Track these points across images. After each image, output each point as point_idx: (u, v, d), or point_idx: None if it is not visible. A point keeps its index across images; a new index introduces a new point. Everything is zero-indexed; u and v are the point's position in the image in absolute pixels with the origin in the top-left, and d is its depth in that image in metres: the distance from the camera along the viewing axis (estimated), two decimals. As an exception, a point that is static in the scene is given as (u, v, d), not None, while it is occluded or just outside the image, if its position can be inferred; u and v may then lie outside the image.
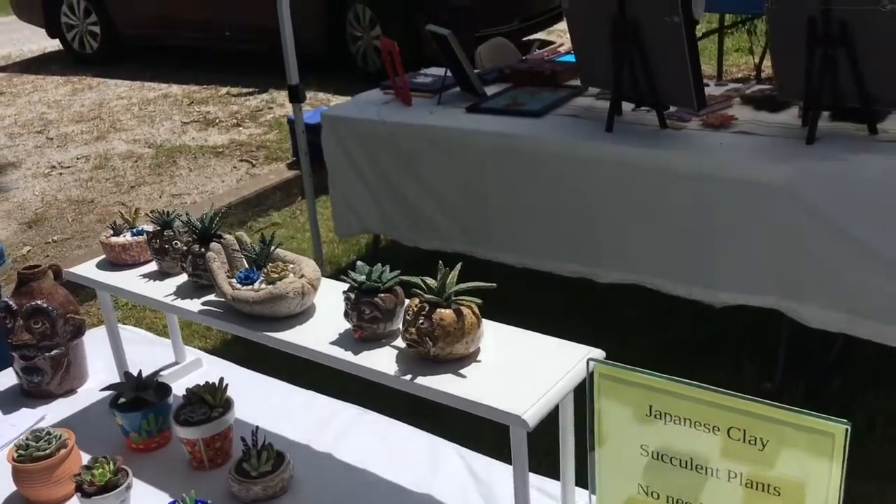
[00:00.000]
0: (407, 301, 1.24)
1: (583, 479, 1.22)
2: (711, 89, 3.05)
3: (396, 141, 3.10)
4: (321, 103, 5.55)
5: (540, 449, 1.32)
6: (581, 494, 1.26)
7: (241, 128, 5.55)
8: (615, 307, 3.10)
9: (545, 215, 2.88)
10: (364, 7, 5.87)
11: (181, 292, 1.43)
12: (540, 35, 6.08)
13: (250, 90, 6.36)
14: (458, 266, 1.23)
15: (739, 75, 5.11)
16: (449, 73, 3.23)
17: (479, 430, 1.46)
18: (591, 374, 1.07)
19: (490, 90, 3.24)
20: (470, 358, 1.20)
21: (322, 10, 5.98)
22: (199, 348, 2.20)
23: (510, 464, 1.23)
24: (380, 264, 1.27)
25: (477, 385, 1.14)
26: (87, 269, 1.57)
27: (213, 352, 2.51)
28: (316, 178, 3.52)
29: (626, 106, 2.90)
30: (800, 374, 2.67)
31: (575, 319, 2.97)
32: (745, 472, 0.99)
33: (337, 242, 3.84)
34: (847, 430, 0.90)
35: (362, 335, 1.25)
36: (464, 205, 3.05)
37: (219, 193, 4.45)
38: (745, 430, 0.97)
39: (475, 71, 3.32)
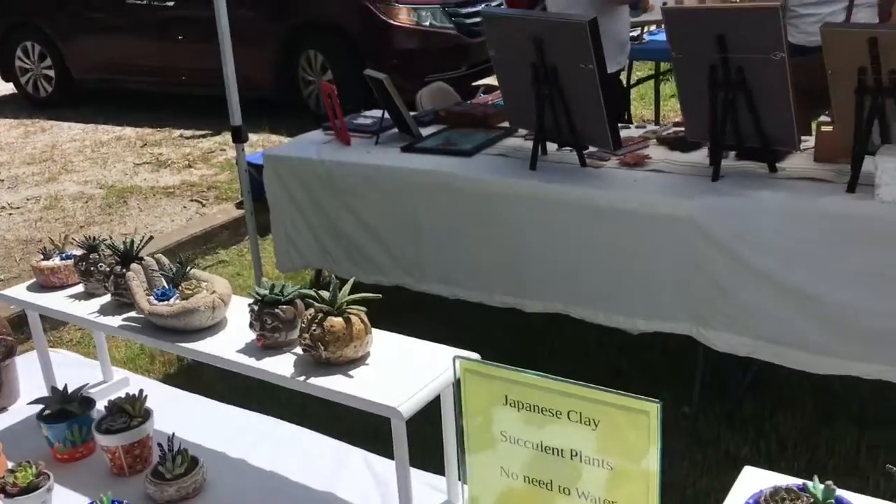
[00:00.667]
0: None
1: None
2: (631, 131, 3.31)
3: (335, 179, 3.29)
4: (273, 145, 5.74)
5: (440, 452, 1.48)
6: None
7: (192, 169, 5.73)
8: (548, 337, 3.28)
9: (475, 249, 3.08)
10: (315, 52, 6.13)
11: (104, 310, 1.59)
12: (488, 80, 6.38)
13: (203, 132, 6.56)
14: (351, 280, 1.41)
15: (677, 119, 5.42)
16: (387, 115, 3.44)
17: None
18: (458, 372, 1.25)
19: (426, 131, 3.47)
20: (359, 361, 1.38)
21: (274, 55, 6.23)
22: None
23: (416, 468, 1.41)
24: (283, 280, 1.45)
25: (362, 384, 1.31)
26: (17, 292, 1.72)
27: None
28: (262, 217, 3.69)
29: (552, 146, 3.13)
30: (717, 398, 2.86)
31: (507, 349, 3.15)
32: (583, 449, 1.17)
33: (282, 279, 4.00)
34: (658, 407, 1.09)
35: (265, 343, 1.42)
36: (399, 240, 3.24)
37: (167, 232, 4.60)
38: (580, 413, 1.16)
39: (412, 113, 3.54)
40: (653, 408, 1.10)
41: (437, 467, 1.50)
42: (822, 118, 2.77)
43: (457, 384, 1.26)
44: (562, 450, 1.20)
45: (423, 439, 1.51)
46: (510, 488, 1.29)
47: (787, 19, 3.42)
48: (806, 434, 2.68)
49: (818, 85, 2.60)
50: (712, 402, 2.84)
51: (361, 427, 1.67)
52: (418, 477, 1.51)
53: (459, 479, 1.33)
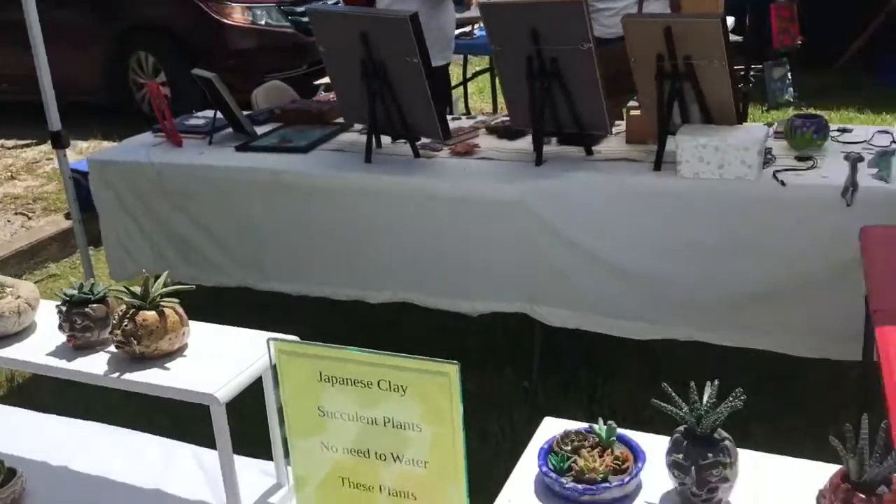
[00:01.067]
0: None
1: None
2: (462, 122, 3.45)
3: (167, 182, 3.23)
4: (107, 152, 5.50)
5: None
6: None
7: (16, 181, 5.40)
8: (396, 327, 3.35)
9: (316, 244, 3.11)
10: (146, 54, 5.92)
11: None
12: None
13: (27, 142, 6.18)
14: (165, 274, 1.41)
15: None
16: (220, 115, 3.40)
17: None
18: (273, 354, 1.29)
19: (262, 130, 3.46)
20: (176, 353, 1.39)
21: (101, 57, 5.97)
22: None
23: (246, 456, 1.43)
24: (91, 279, 1.43)
25: (179, 375, 1.33)
26: None
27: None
28: (95, 226, 3.55)
29: (387, 139, 3.21)
30: (554, 371, 3.03)
31: (355, 341, 3.19)
32: (395, 415, 1.24)
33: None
34: (457, 368, 1.17)
35: (76, 343, 1.40)
36: (239, 240, 3.22)
37: (-12, 249, 4.32)
38: (389, 381, 1.23)
39: (246, 113, 3.52)
40: (452, 369, 1.18)
41: (267, 454, 1.53)
42: (631, 103, 3.01)
43: (271, 366, 1.30)
44: (376, 418, 1.26)
45: (253, 427, 1.54)
46: (334, 463, 1.34)
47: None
48: (634, 396, 2.89)
49: (622, 72, 2.81)
50: (551, 375, 3.01)
51: (197, 425, 1.66)
52: (247, 464, 1.54)
53: (286, 462, 1.37)
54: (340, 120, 3.48)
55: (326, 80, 6.47)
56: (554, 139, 3.02)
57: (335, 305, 3.21)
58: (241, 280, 3.26)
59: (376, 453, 1.29)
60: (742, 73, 4.13)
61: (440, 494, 1.26)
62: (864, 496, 1.01)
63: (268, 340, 1.28)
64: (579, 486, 1.13)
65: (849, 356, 2.47)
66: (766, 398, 2.64)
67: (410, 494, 1.29)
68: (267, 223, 3.14)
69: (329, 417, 1.30)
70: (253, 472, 1.52)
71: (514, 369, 3.10)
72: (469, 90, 5.68)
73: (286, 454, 1.36)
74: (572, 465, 1.17)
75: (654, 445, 1.18)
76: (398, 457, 1.27)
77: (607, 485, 1.13)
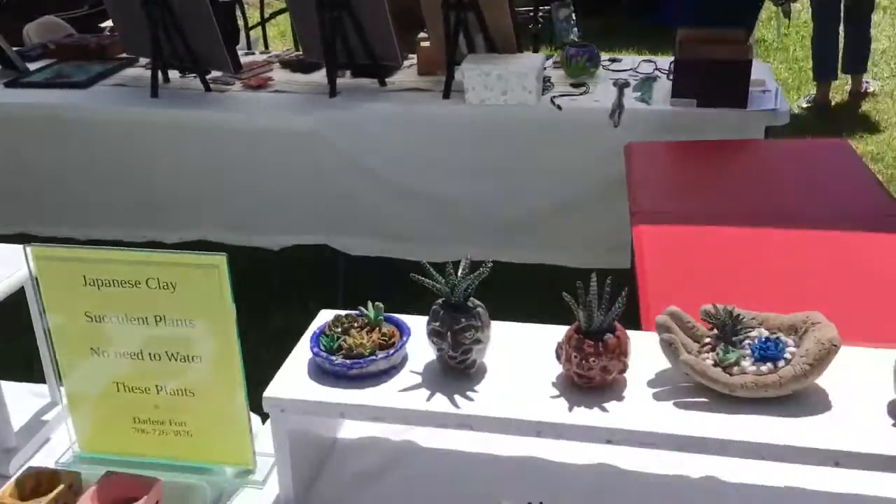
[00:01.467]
0: None
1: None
2: (256, 56, 3.39)
3: (-77, 122, 2.94)
4: None
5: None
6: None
7: None
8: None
9: (102, 184, 2.97)
10: None
11: None
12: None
13: None
14: None
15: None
16: (-16, 50, 3.12)
17: None
18: (31, 262, 1.24)
19: (35, 66, 3.22)
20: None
21: None
22: None
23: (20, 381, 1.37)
24: None
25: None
26: None
27: None
28: None
29: (176, 74, 3.09)
30: (359, 301, 3.09)
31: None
32: (167, 312, 1.24)
33: None
34: (225, 258, 1.20)
35: None
36: (12, 182, 3.03)
37: None
38: (158, 279, 1.23)
39: (15, 49, 3.26)
40: (221, 261, 1.20)
41: (40, 377, 1.47)
42: (421, 35, 3.09)
43: (30, 275, 1.25)
44: (147, 318, 1.26)
45: (22, 352, 1.48)
46: (108, 370, 1.32)
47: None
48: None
49: (412, 7, 2.88)
50: (356, 306, 3.08)
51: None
52: (18, 389, 1.48)
53: (58, 379, 1.34)
54: (123, 55, 3.31)
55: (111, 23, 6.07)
56: (348, 72, 3.05)
57: (129, 249, 3.09)
58: (21, 227, 3.05)
59: (150, 354, 1.28)
60: (531, 14, 4.33)
61: (218, 388, 1.29)
62: (592, 342, 1.15)
63: (24, 247, 1.23)
64: (347, 362, 1.20)
65: (621, 265, 2.72)
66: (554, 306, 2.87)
67: (188, 391, 1.30)
68: (45, 163, 2.96)
69: (98, 323, 1.27)
70: (23, 395, 1.46)
71: (319, 302, 3.11)
72: (270, 34, 5.56)
73: (57, 370, 1.32)
74: (341, 343, 1.23)
75: (421, 323, 1.26)
76: (173, 355, 1.28)
77: (374, 357, 1.21)
